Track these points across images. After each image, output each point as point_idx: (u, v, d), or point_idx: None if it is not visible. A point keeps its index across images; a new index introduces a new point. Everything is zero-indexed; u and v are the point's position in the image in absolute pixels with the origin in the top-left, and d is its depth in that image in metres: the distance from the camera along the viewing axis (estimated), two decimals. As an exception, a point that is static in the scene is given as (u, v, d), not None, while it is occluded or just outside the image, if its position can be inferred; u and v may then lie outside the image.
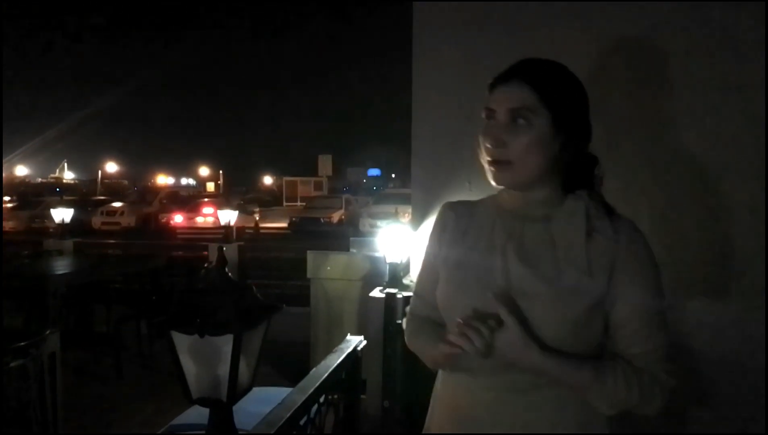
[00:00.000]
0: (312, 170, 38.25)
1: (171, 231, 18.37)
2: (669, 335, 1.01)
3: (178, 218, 19.30)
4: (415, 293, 1.22)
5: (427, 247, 1.17)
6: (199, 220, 19.17)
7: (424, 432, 1.19)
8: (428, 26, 2.37)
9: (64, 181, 38.48)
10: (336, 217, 19.97)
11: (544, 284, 0.97)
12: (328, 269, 4.15)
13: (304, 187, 35.73)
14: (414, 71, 2.42)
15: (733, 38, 1.91)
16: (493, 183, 1.03)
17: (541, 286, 0.97)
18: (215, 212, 16.13)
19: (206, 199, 23.09)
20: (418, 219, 2.51)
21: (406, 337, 1.20)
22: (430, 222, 2.55)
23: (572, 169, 1.05)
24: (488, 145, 1.00)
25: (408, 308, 1.25)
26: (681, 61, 1.96)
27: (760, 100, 1.88)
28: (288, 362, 3.77)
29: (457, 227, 1.11)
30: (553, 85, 1.00)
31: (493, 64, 1.08)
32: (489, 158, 1.00)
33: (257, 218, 19.41)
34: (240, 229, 18.14)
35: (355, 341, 1.96)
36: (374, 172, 44.07)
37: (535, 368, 0.95)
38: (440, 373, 1.17)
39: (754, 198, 1.87)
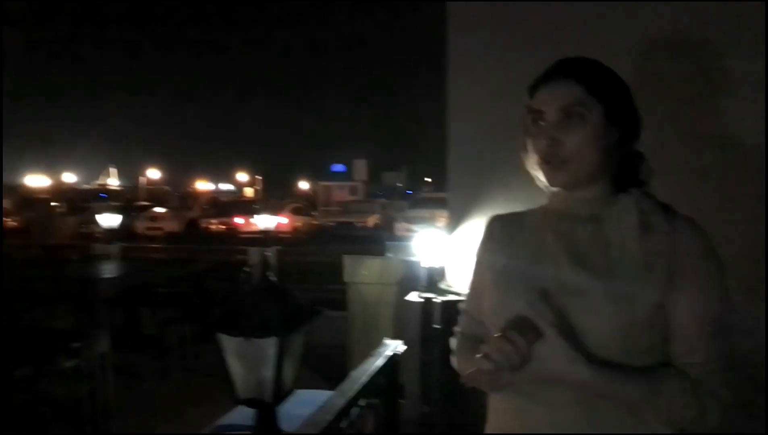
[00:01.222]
0: (348, 175, 38.53)
1: (231, 233, 18.84)
2: (728, 344, 0.95)
3: (238, 221, 20.09)
4: (463, 310, 1.18)
5: (475, 262, 1.14)
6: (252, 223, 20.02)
7: None
8: (463, 27, 2.37)
9: (109, 187, 39.84)
10: (371, 221, 20.05)
11: (599, 286, 0.92)
12: (365, 273, 4.18)
13: (340, 191, 36.01)
14: (450, 73, 2.42)
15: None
16: (546, 184, 1.01)
17: (595, 289, 0.92)
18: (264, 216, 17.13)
19: (255, 204, 24.00)
20: (454, 223, 2.51)
21: (453, 355, 1.15)
22: (467, 226, 2.56)
23: (622, 167, 1.02)
24: (542, 146, 0.97)
25: (456, 327, 1.18)
26: (722, 58, 1.91)
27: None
28: (324, 365, 3.82)
29: (504, 235, 1.09)
30: (599, 78, 0.98)
31: (531, 65, 1.08)
32: (542, 159, 0.98)
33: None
34: (294, 229, 19.30)
35: (393, 345, 1.98)
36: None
37: (581, 382, 0.90)
38: (492, 402, 1.10)
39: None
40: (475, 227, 2.43)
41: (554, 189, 1.02)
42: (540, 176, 1.01)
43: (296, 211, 21.82)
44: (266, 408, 1.18)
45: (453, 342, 1.16)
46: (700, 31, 1.95)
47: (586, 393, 0.92)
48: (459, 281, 2.56)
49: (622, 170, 1.02)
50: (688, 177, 1.93)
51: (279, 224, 19.24)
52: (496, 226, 1.12)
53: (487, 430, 1.11)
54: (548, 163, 0.98)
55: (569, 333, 0.91)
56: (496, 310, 1.02)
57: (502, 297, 1.02)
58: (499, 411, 1.06)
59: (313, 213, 22.73)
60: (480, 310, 1.09)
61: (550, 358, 0.89)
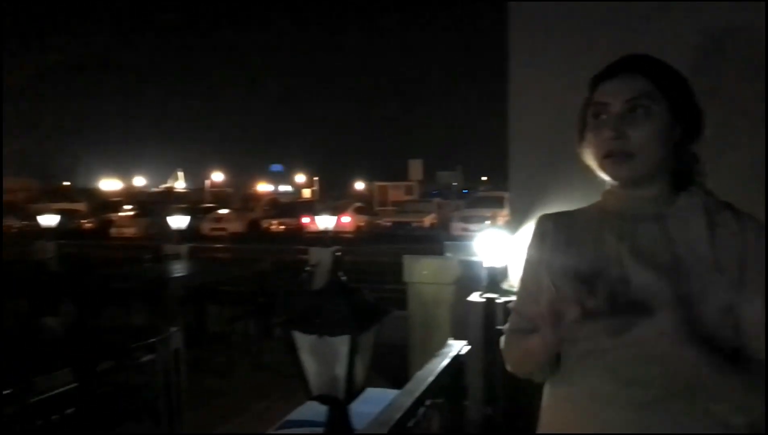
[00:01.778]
0: (403, 175, 38.64)
1: (292, 233, 19.39)
2: None
3: (345, 219, 20.64)
4: (514, 309, 1.16)
5: (526, 262, 1.12)
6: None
7: None
8: (524, 26, 2.34)
9: (175, 190, 41.73)
10: (427, 221, 20.03)
11: (669, 287, 0.90)
12: (424, 273, 4.19)
13: (395, 191, 36.16)
14: (510, 72, 2.39)
15: None
16: (609, 179, 0.99)
17: (665, 290, 0.90)
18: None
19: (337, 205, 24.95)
20: (516, 223, 2.48)
21: (503, 354, 1.13)
22: (529, 226, 2.52)
23: (681, 165, 1.01)
24: (607, 138, 0.96)
25: (505, 326, 1.17)
26: (723, 58, 1.81)
27: None
28: (385, 364, 3.85)
29: (559, 235, 1.06)
30: (665, 73, 0.97)
31: (592, 62, 1.07)
32: (606, 151, 0.97)
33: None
34: (358, 228, 19.96)
35: (458, 346, 1.98)
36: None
37: (682, 365, 0.88)
38: (548, 389, 1.09)
39: None
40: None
41: (615, 183, 1.00)
42: (601, 170, 1.00)
43: (359, 211, 22.38)
44: (338, 405, 1.21)
45: (502, 341, 1.14)
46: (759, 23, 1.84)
47: (664, 391, 0.90)
48: (522, 282, 2.52)
49: (682, 168, 1.01)
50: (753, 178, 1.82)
51: (342, 223, 19.97)
52: (548, 226, 1.09)
53: (544, 429, 1.09)
54: (612, 157, 0.96)
55: (684, 314, 0.89)
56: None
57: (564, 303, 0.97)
58: (564, 411, 1.03)
59: (376, 211, 23.29)
60: (530, 309, 1.06)
61: (657, 335, 0.88)
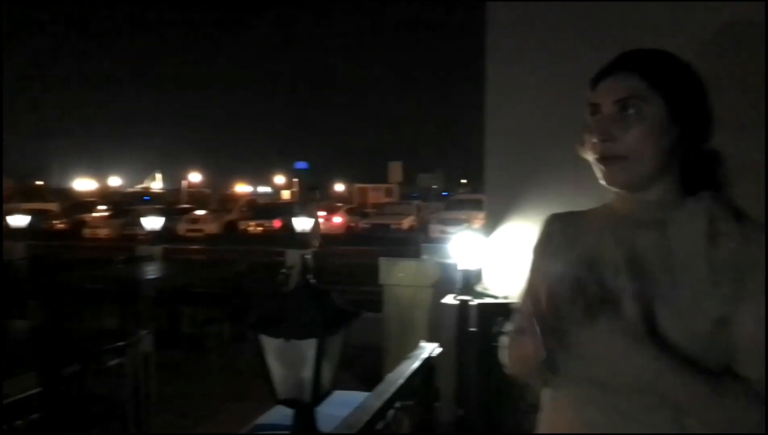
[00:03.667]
0: (382, 177, 38.65)
1: (269, 234, 19.45)
2: None
3: (336, 219, 21.64)
4: (517, 309, 1.11)
5: (533, 262, 1.07)
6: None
7: None
8: (502, 28, 2.35)
9: (152, 190, 41.09)
10: (406, 223, 20.06)
11: (659, 297, 0.88)
12: (400, 276, 4.18)
13: (375, 193, 36.16)
14: (488, 73, 2.40)
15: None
16: (604, 183, 0.95)
17: (656, 299, 0.88)
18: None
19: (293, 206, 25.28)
20: (491, 225, 2.49)
21: (503, 356, 1.09)
22: (504, 228, 2.53)
23: (692, 167, 0.95)
24: (596, 141, 0.92)
25: (508, 325, 1.13)
26: (723, 59, 1.84)
27: None
28: (360, 366, 3.84)
29: (563, 237, 1.03)
30: (663, 70, 0.92)
31: (570, 66, 1.07)
32: (597, 155, 0.93)
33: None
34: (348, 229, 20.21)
35: (429, 348, 1.98)
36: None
37: (643, 369, 0.86)
38: (545, 398, 1.07)
39: None
40: (512, 230, 2.41)
41: (615, 189, 0.95)
42: (598, 174, 0.95)
43: (350, 212, 22.73)
44: (305, 408, 1.20)
45: (504, 339, 1.11)
46: (747, 26, 1.88)
47: (643, 399, 0.89)
48: (496, 284, 2.54)
49: (691, 171, 0.95)
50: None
51: (333, 224, 20.87)
52: (555, 227, 1.06)
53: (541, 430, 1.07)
54: (602, 160, 0.92)
55: (645, 314, 0.86)
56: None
57: (558, 305, 0.96)
58: (556, 416, 1.02)
59: (366, 213, 23.80)
60: (536, 310, 1.02)
61: (617, 333, 0.85)
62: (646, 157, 0.91)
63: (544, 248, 1.05)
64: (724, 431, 0.87)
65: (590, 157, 0.96)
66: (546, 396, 1.07)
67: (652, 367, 0.86)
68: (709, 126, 0.95)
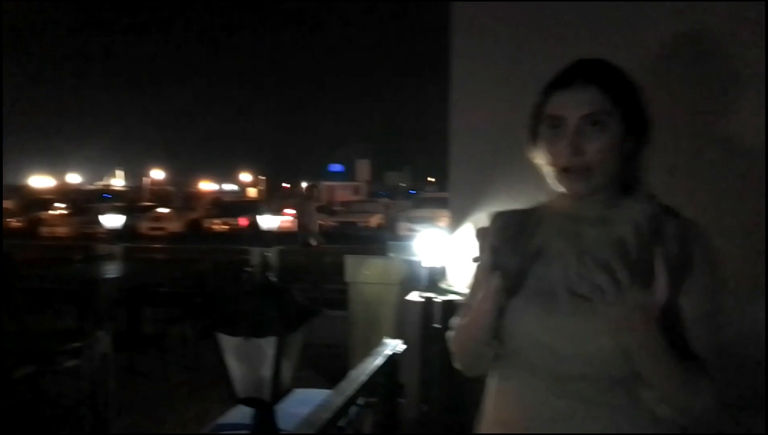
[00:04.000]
0: (351, 175, 38.61)
1: (234, 233, 19.08)
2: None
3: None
4: (464, 304, 1.14)
5: (480, 259, 1.11)
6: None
7: None
8: (467, 27, 2.37)
9: (113, 187, 40.00)
10: (374, 221, 20.08)
11: (612, 290, 0.91)
12: (366, 273, 4.18)
13: (343, 191, 36.08)
14: (452, 74, 2.42)
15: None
16: (562, 189, 1.00)
17: (609, 292, 0.91)
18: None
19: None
20: (455, 223, 2.51)
21: (450, 347, 1.13)
22: (468, 226, 2.56)
23: (632, 170, 1.02)
24: (564, 154, 0.96)
25: (453, 320, 1.16)
26: (727, 58, 1.91)
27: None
28: (326, 365, 3.83)
29: (511, 235, 1.07)
30: (622, 85, 0.97)
31: (534, 65, 1.08)
32: (564, 166, 0.97)
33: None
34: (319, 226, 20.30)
35: (392, 345, 1.98)
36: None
37: (642, 343, 0.90)
38: (491, 388, 1.11)
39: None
40: (476, 227, 2.43)
41: (562, 190, 1.00)
42: (554, 180, 1.00)
43: (320, 210, 22.61)
44: (264, 407, 1.19)
45: (450, 333, 1.14)
46: (703, 31, 1.94)
47: (596, 383, 0.94)
48: (460, 281, 2.56)
49: (627, 173, 1.02)
50: (688, 177, 1.93)
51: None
52: (501, 224, 1.10)
53: (484, 418, 1.11)
54: (568, 171, 0.97)
55: (625, 314, 0.90)
56: (511, 316, 1.01)
57: (515, 303, 1.00)
58: (505, 398, 1.06)
59: (335, 211, 23.56)
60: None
61: (633, 306, 0.89)
62: (608, 168, 0.96)
63: (492, 245, 1.08)
64: (680, 416, 0.94)
65: (549, 164, 1.00)
66: (493, 384, 1.11)
67: (650, 341, 0.90)
68: (651, 133, 1.02)
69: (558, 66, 1.04)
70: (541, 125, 1.01)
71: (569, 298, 0.95)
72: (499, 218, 1.12)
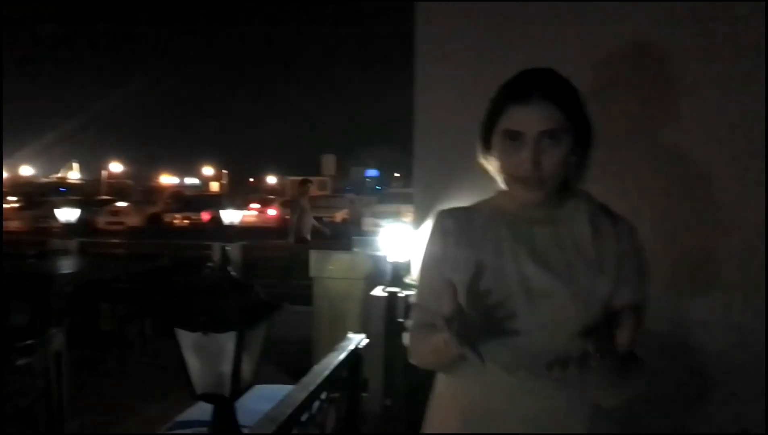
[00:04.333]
0: (316, 169, 38.36)
1: (196, 228, 18.76)
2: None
3: (271, 211, 21.69)
4: (416, 304, 1.18)
5: (428, 257, 1.13)
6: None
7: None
8: (431, 26, 2.38)
9: (69, 180, 38.63)
10: (339, 216, 20.02)
11: (562, 284, 0.99)
12: (331, 268, 4.17)
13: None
14: (417, 71, 2.43)
15: (734, 37, 1.92)
16: (516, 195, 1.04)
17: (559, 287, 0.99)
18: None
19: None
20: (420, 218, 2.52)
21: (409, 349, 1.15)
22: (432, 222, 2.57)
23: (574, 173, 1.07)
24: (524, 167, 0.99)
25: (409, 322, 1.19)
26: (681, 61, 1.98)
27: (758, 100, 1.89)
28: (290, 361, 3.80)
29: (461, 234, 1.09)
30: (574, 102, 1.02)
31: (498, 64, 1.10)
32: (521, 178, 1.01)
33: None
34: (284, 221, 20.25)
35: (356, 339, 1.98)
36: (372, 172, 41.47)
37: (570, 354, 0.97)
38: (440, 375, 1.15)
39: (752, 198, 1.89)
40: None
41: (505, 188, 1.05)
42: (507, 187, 1.04)
43: (284, 205, 22.52)
44: (224, 403, 1.17)
45: (406, 337, 1.16)
46: (666, 33, 2.00)
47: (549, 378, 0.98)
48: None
49: (571, 176, 1.07)
50: (645, 176, 1.99)
51: (269, 217, 20.98)
52: (449, 222, 1.11)
53: (435, 403, 1.15)
54: (524, 181, 1.01)
55: (577, 310, 0.98)
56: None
57: (468, 299, 1.01)
58: (457, 382, 1.09)
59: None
60: (435, 302, 1.05)
61: (552, 332, 0.97)
62: (559, 177, 1.02)
63: (441, 243, 1.10)
64: (608, 400, 1.03)
65: (504, 171, 1.04)
66: (442, 380, 1.14)
67: (578, 352, 0.96)
68: (593, 142, 1.07)
69: (519, 65, 1.07)
70: (495, 135, 1.04)
71: (525, 293, 0.99)
72: (448, 216, 1.12)
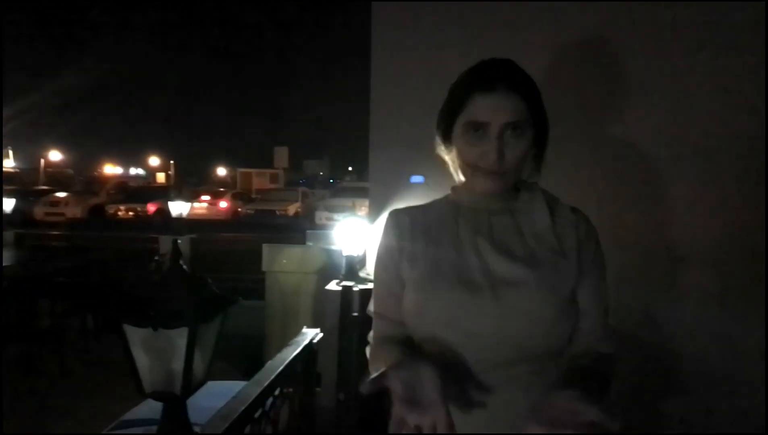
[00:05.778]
0: (268, 162, 37.74)
1: (141, 220, 18.03)
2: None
3: (222, 204, 21.12)
4: (374, 314, 1.11)
5: (382, 260, 1.09)
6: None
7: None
8: (387, 24, 2.38)
9: (3, 169, 36.58)
10: (292, 209, 19.80)
11: (527, 271, 0.98)
12: (284, 262, 4.13)
13: (260, 179, 35.19)
14: (373, 66, 2.42)
15: (680, 34, 2.01)
16: (474, 187, 1.03)
17: (524, 274, 0.98)
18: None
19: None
20: (375, 212, 2.52)
21: (371, 364, 1.09)
22: (384, 221, 2.57)
23: (530, 165, 1.07)
24: (489, 158, 0.98)
25: (370, 334, 1.13)
26: (631, 59, 2.04)
27: (703, 93, 1.97)
28: (242, 356, 3.73)
29: (416, 231, 1.07)
30: (535, 94, 1.01)
31: (453, 60, 1.09)
32: (484, 169, 0.99)
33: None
34: (235, 214, 19.50)
35: (311, 334, 1.96)
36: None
37: (536, 343, 0.97)
38: None
39: (702, 190, 1.96)
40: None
41: (463, 179, 1.05)
42: (465, 176, 1.04)
43: (235, 197, 22.46)
44: (175, 401, 1.13)
45: (368, 351, 1.12)
46: (616, 31, 2.06)
47: (516, 365, 0.97)
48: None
49: (528, 168, 1.07)
50: (593, 170, 2.05)
51: (219, 209, 20.43)
52: (402, 221, 1.09)
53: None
54: (486, 173, 0.99)
55: (544, 298, 0.98)
56: (426, 309, 1.01)
57: (431, 296, 1.00)
58: None
59: (253, 198, 23.27)
60: (396, 310, 1.06)
61: (521, 323, 0.96)
62: (520, 169, 1.02)
63: (397, 243, 1.07)
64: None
65: (464, 161, 1.02)
66: None
67: (544, 341, 0.97)
68: (548, 135, 1.07)
69: (473, 59, 1.06)
70: (457, 125, 1.02)
71: (490, 284, 0.98)
72: (400, 215, 1.10)
